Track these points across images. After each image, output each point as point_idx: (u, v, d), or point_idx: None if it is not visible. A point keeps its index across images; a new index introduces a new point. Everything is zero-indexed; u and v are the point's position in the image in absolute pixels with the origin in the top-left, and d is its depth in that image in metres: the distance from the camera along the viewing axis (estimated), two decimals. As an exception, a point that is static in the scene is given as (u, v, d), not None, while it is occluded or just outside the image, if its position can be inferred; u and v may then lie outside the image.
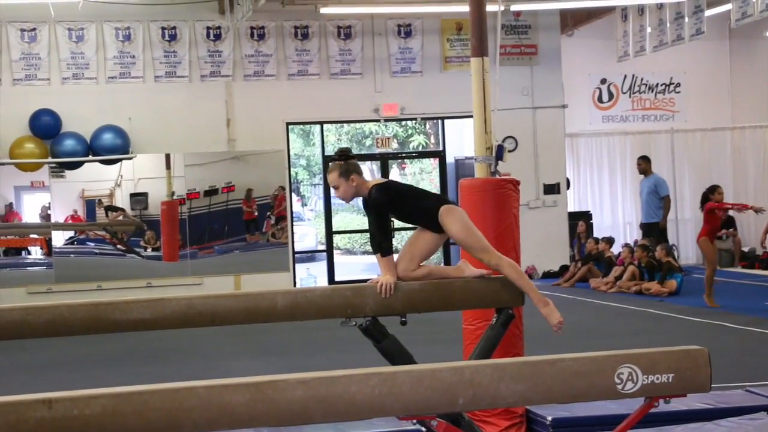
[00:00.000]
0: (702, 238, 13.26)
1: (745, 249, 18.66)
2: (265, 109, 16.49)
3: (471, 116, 8.05)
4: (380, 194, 5.71)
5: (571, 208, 18.42)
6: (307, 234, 20.77)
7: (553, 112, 17.83)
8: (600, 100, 19.42)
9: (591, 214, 18.46)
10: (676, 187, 18.66)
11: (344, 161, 5.74)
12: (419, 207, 5.82)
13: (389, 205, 5.77)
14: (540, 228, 16.96)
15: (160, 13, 15.96)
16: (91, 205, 16.40)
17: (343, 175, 5.70)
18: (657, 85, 19.56)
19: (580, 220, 17.48)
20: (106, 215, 16.26)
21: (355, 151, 20.33)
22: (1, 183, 16.27)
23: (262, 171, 16.73)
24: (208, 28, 16.47)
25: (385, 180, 6.09)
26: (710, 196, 13.41)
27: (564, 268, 17.24)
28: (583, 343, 10.25)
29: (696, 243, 13.67)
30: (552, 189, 17.83)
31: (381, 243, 5.72)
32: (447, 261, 17.95)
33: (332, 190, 5.95)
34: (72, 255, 16.37)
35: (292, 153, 17.58)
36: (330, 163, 5.92)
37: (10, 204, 16.48)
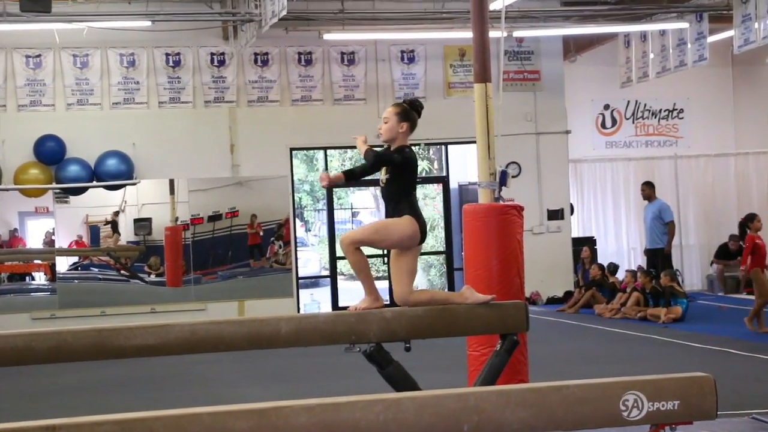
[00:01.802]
0: (753, 269, 13.04)
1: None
2: (268, 135, 16.51)
3: (474, 142, 8.06)
4: (410, 155, 6.01)
5: (575, 234, 18.39)
6: (310, 259, 20.78)
7: (556, 138, 17.84)
8: (603, 125, 19.43)
9: (595, 240, 18.43)
10: (681, 213, 18.65)
11: (411, 109, 5.93)
12: (406, 198, 5.93)
13: (405, 166, 5.95)
14: (544, 254, 16.92)
15: (165, 39, 16.01)
16: (95, 230, 16.40)
17: (400, 115, 5.93)
18: (660, 110, 19.58)
19: (584, 246, 17.45)
20: (113, 230, 16.22)
21: (358, 177, 20.36)
22: (5, 209, 16.29)
23: (265, 196, 16.74)
24: (212, 54, 16.52)
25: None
26: (749, 224, 13.32)
27: (568, 294, 17.20)
28: (587, 369, 10.23)
29: (747, 274, 13.37)
30: (556, 215, 17.81)
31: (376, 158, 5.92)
32: (451, 287, 17.92)
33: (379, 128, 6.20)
34: (76, 281, 16.35)
35: (295, 178, 17.59)
36: (398, 102, 6.11)
37: (15, 229, 16.49)
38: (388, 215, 6.00)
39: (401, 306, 5.82)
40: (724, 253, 18.15)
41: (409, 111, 6.07)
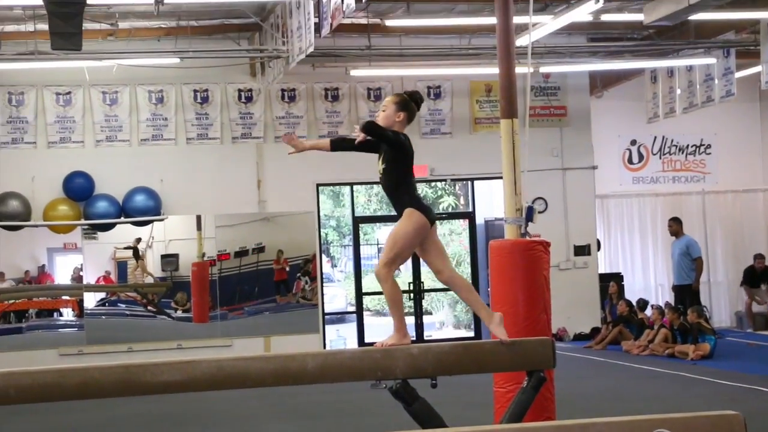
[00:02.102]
0: None
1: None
2: (295, 171, 16.55)
3: (501, 177, 8.06)
4: (404, 139, 5.96)
5: (602, 270, 18.31)
6: (336, 295, 20.77)
7: (582, 173, 17.81)
8: (630, 161, 19.40)
9: (622, 276, 18.34)
10: (708, 249, 18.54)
11: (410, 100, 5.97)
12: (405, 186, 5.98)
13: (399, 148, 5.93)
14: (570, 289, 16.85)
15: (193, 76, 16.14)
16: (122, 266, 16.46)
17: (398, 104, 5.98)
18: (687, 146, 19.53)
19: (611, 282, 17.37)
20: (135, 258, 16.29)
21: (383, 212, 20.44)
22: (34, 245, 16.39)
23: (292, 232, 16.78)
24: (240, 90, 16.63)
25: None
26: None
27: (595, 330, 17.11)
28: (615, 406, 10.16)
29: None
30: (582, 250, 17.75)
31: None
32: (477, 323, 17.87)
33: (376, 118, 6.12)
34: (103, 316, 16.41)
35: (322, 214, 17.64)
36: (398, 93, 6.20)
37: (43, 266, 16.58)
38: (393, 204, 6.09)
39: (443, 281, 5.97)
40: (750, 276, 18.04)
41: (408, 102, 6.11)
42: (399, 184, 6.00)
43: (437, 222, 6.09)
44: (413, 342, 5.89)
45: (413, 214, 5.90)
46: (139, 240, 16.24)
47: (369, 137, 5.99)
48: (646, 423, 4.26)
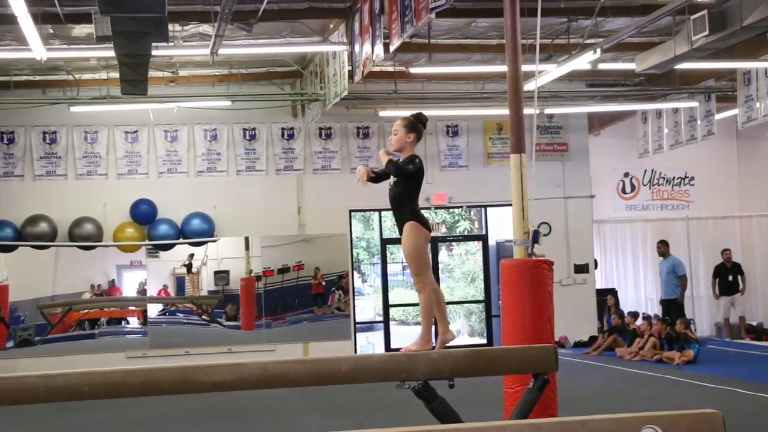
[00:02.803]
0: None
1: (753, 323, 18.33)
2: (331, 198, 16.59)
3: (510, 204, 8.05)
4: (419, 165, 6.06)
5: (599, 286, 18.22)
6: (366, 307, 20.71)
7: (582, 202, 17.75)
8: (623, 191, 19.32)
9: (616, 291, 18.24)
10: (692, 268, 18.43)
11: (416, 121, 5.97)
12: (408, 201, 6.03)
13: (415, 175, 6.02)
14: (571, 303, 16.77)
15: (243, 116, 16.22)
16: (181, 281, 16.51)
17: (407, 127, 5.96)
18: (674, 178, 19.43)
19: (609, 295, 17.31)
20: (188, 271, 16.34)
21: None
22: (105, 262, 16.45)
23: (327, 252, 16.78)
24: (283, 128, 16.69)
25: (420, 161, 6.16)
26: None
27: (593, 339, 17.01)
28: (610, 405, 10.09)
29: None
30: (582, 269, 17.67)
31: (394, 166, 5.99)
32: (489, 332, 17.80)
33: (389, 139, 6.36)
34: (164, 324, 16.44)
35: (354, 236, 17.63)
36: (406, 116, 6.16)
37: (113, 280, 16.63)
38: (394, 217, 6.14)
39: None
40: (721, 270, 17.83)
41: (416, 123, 6.11)
42: (404, 199, 6.01)
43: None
44: (433, 348, 5.88)
45: (414, 227, 5.93)
46: (192, 256, 16.30)
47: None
48: (637, 420, 4.22)
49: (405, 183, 5.99)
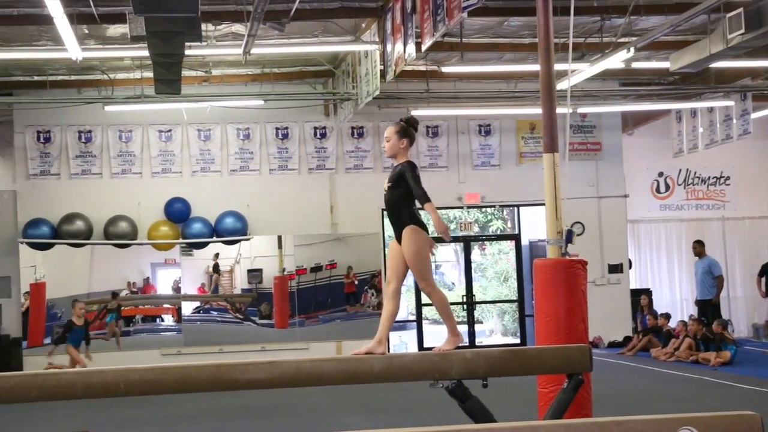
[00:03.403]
0: None
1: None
2: (363, 197, 16.60)
3: (543, 204, 8.02)
4: (411, 167, 6.01)
5: (633, 286, 18.10)
6: (400, 306, 20.75)
7: (615, 201, 17.65)
8: (657, 190, 19.17)
9: (651, 291, 18.10)
10: (728, 268, 18.26)
11: (408, 126, 5.95)
12: (406, 205, 5.96)
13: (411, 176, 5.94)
14: (605, 303, 16.67)
15: (275, 115, 16.27)
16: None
17: (399, 133, 5.94)
18: (709, 177, 19.25)
19: (643, 295, 17.19)
20: (215, 271, 16.44)
21: (437, 235, 20.27)
22: (140, 260, 16.58)
23: (360, 250, 16.79)
24: (315, 128, 16.72)
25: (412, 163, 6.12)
26: None
27: (627, 339, 16.91)
28: (645, 406, 10.02)
29: None
30: (615, 268, 17.56)
31: (424, 194, 5.90)
32: (523, 332, 17.74)
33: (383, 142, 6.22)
34: (198, 322, 16.54)
35: (386, 235, 17.63)
36: (397, 121, 6.05)
37: (147, 278, 16.76)
38: (391, 222, 6.09)
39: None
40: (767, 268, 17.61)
41: (407, 128, 6.09)
42: (402, 203, 5.97)
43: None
44: (466, 347, 5.87)
45: (415, 231, 5.89)
46: (217, 255, 16.37)
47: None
48: (673, 421, 4.19)
49: (402, 186, 5.95)
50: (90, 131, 16.15)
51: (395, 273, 5.98)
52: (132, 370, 5.17)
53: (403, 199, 5.94)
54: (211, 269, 16.48)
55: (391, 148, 6.03)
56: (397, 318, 19.69)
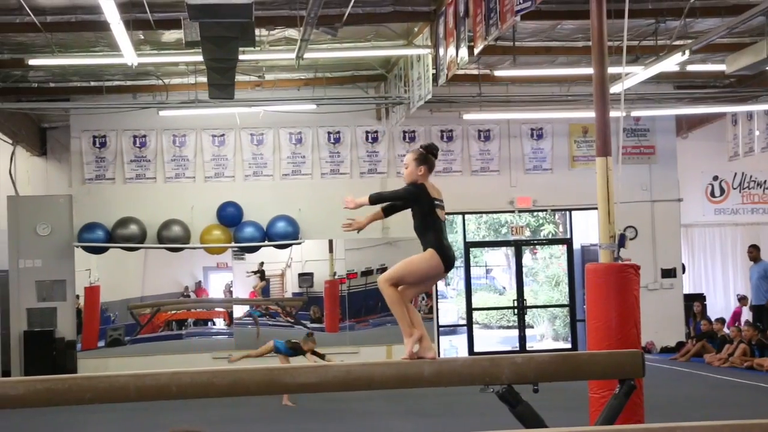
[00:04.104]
0: None
1: None
2: (414, 202, 16.56)
3: (596, 208, 7.96)
4: (412, 189, 5.95)
5: (686, 291, 17.89)
6: (449, 310, 20.69)
7: (669, 205, 17.47)
8: (712, 194, 18.89)
9: (705, 296, 17.90)
10: (784, 273, 17.94)
11: (427, 153, 5.90)
12: (429, 230, 5.87)
13: (410, 200, 5.96)
14: (658, 308, 16.49)
15: (327, 120, 16.33)
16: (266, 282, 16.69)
17: (417, 160, 5.91)
18: (765, 181, 18.89)
19: (695, 302, 16.98)
20: (261, 278, 16.53)
21: (491, 238, 20.29)
22: (192, 264, 16.73)
23: (410, 254, 16.69)
24: (367, 132, 16.76)
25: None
26: None
27: (680, 344, 16.72)
28: (699, 412, 9.88)
29: None
30: (669, 273, 17.38)
31: (378, 194, 6.08)
32: (574, 337, 17.61)
33: (402, 168, 6.19)
34: (250, 326, 16.64)
35: (437, 240, 17.60)
36: (417, 148, 6.05)
37: (199, 282, 16.90)
38: (422, 245, 5.96)
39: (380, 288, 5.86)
40: None
41: (426, 156, 6.02)
42: (425, 228, 5.91)
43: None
44: (517, 352, 5.84)
45: (433, 257, 5.80)
46: (262, 263, 16.46)
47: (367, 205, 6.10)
48: (729, 428, 4.14)
49: (416, 212, 5.95)
50: (144, 136, 16.35)
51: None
52: (184, 373, 5.21)
53: (426, 224, 5.90)
54: (256, 276, 16.55)
55: (409, 175, 6.00)
56: (447, 322, 19.50)
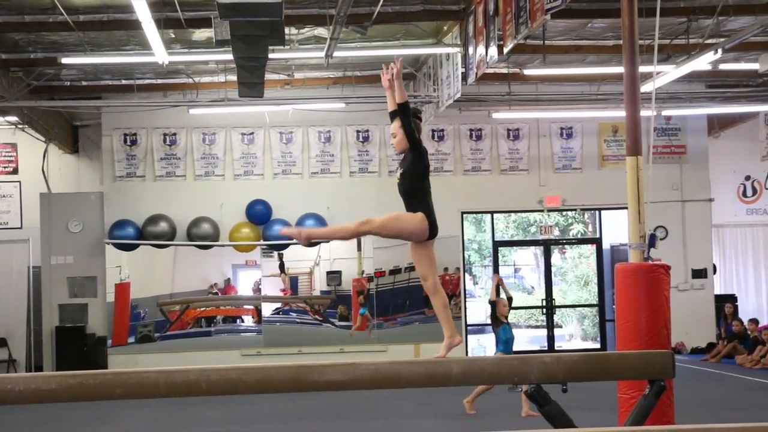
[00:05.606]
0: None
1: None
2: (442, 200, 16.35)
3: (625, 207, 7.92)
4: (425, 149, 5.76)
5: (717, 291, 17.75)
6: (477, 309, 20.65)
7: (700, 205, 17.34)
8: (744, 194, 18.76)
9: (736, 297, 17.74)
10: (817, 274, 17.80)
11: (413, 119, 5.78)
12: (419, 196, 5.73)
13: (421, 157, 5.76)
14: (688, 308, 16.37)
15: (356, 118, 16.35)
16: (294, 280, 16.73)
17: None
18: (798, 182, 18.78)
19: (727, 303, 16.84)
20: (281, 270, 16.57)
21: (520, 237, 20.25)
22: (222, 261, 16.81)
23: (439, 253, 16.43)
24: (396, 131, 16.72)
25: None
26: None
27: (711, 345, 16.59)
28: (730, 414, 9.81)
29: None
30: (699, 274, 17.25)
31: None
32: (603, 337, 17.52)
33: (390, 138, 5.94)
34: (278, 323, 16.69)
35: (465, 238, 17.58)
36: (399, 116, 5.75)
37: (228, 279, 16.98)
38: (407, 209, 5.76)
39: (426, 287, 5.72)
40: None
41: (414, 121, 5.92)
42: (420, 191, 5.81)
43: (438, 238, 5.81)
44: (546, 352, 5.81)
45: (423, 222, 5.71)
46: (282, 255, 16.47)
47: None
48: (760, 430, 4.10)
49: (412, 172, 5.81)
50: (175, 134, 16.45)
51: (426, 268, 5.89)
52: (213, 370, 5.23)
53: (418, 187, 5.82)
54: (282, 274, 16.59)
55: (399, 143, 5.89)
56: (476, 321, 19.52)
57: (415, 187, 5.77)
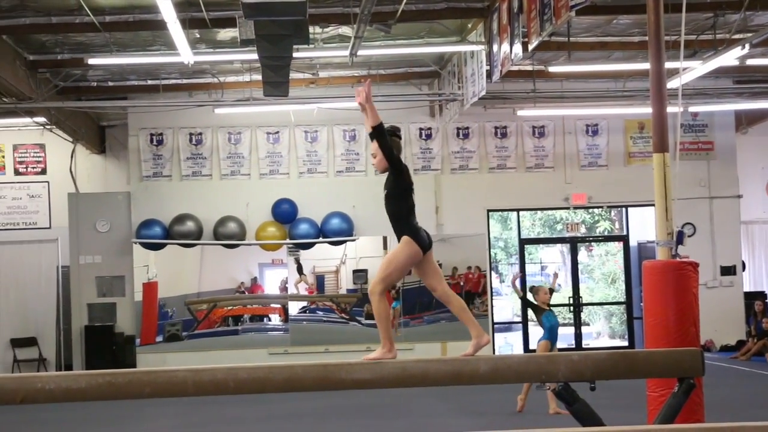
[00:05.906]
0: None
1: None
2: (468, 198, 16.56)
3: (653, 205, 7.87)
4: (405, 168, 5.90)
5: (747, 288, 17.61)
6: (504, 307, 20.61)
7: (728, 202, 17.21)
8: (773, 190, 18.61)
9: (766, 294, 17.60)
10: None
11: (392, 137, 5.81)
12: (404, 216, 5.93)
13: (402, 177, 5.94)
14: (717, 306, 16.25)
15: (381, 116, 16.29)
16: (321, 279, 16.75)
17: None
18: (828, 178, 18.61)
19: (757, 300, 16.71)
20: (299, 272, 16.60)
21: (546, 235, 20.18)
22: (248, 260, 16.85)
23: (465, 251, 16.74)
24: (421, 128, 16.74)
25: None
26: None
27: (740, 343, 16.47)
28: (761, 413, 9.72)
29: None
30: (728, 271, 17.13)
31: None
32: (631, 334, 17.43)
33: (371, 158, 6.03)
34: (305, 322, 16.71)
35: (491, 236, 17.55)
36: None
37: (255, 278, 17.02)
38: (394, 230, 5.93)
39: (437, 296, 5.78)
40: None
41: (392, 138, 5.95)
42: (399, 211, 5.86)
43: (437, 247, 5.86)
44: (573, 350, 5.79)
45: (410, 244, 5.76)
46: (298, 259, 16.50)
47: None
48: (790, 428, 4.06)
49: (395, 192, 5.86)
50: (200, 133, 16.51)
51: (431, 280, 5.89)
52: (241, 369, 5.25)
53: (401, 208, 5.88)
54: (302, 277, 16.63)
55: (380, 162, 5.94)
56: (502, 319, 19.45)
57: (398, 207, 5.93)
